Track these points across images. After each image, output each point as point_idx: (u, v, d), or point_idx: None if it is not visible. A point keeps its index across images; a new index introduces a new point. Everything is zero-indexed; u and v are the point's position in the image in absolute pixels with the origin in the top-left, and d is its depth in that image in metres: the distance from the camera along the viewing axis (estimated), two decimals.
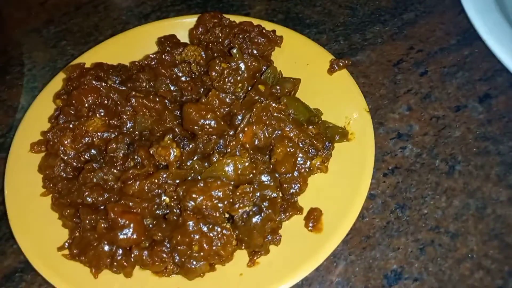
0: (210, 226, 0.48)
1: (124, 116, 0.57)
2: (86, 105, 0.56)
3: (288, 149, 0.54)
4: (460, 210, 0.56)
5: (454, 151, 0.61)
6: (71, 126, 0.55)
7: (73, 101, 0.56)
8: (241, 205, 0.48)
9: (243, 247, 0.50)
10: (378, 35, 0.77)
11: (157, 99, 0.57)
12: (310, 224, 0.51)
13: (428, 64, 0.72)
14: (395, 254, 0.53)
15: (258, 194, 0.50)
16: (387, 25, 0.78)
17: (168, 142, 0.52)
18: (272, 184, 0.52)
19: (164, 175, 0.52)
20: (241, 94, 0.60)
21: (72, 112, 0.56)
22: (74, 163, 0.56)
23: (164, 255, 0.47)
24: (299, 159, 0.54)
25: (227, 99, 0.56)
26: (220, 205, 0.48)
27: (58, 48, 0.79)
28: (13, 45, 0.80)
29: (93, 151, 0.56)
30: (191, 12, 0.84)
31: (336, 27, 0.79)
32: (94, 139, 0.56)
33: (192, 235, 0.47)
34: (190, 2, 0.85)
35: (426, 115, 0.66)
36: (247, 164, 0.52)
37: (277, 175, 0.54)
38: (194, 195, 0.48)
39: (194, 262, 0.47)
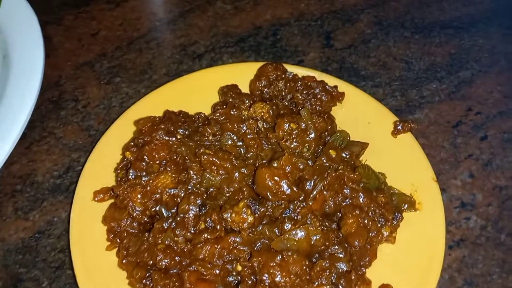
0: None
1: (191, 172, 0.57)
2: (158, 161, 0.56)
3: (360, 220, 0.53)
4: None
5: None
6: (142, 182, 0.54)
7: (144, 157, 0.56)
8: (319, 284, 0.48)
9: None
10: (435, 93, 0.77)
11: (226, 157, 0.57)
12: None
13: (487, 128, 0.72)
14: None
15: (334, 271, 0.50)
16: (443, 83, 0.78)
17: (243, 208, 0.51)
18: (343, 256, 0.52)
19: (236, 239, 0.51)
20: (307, 154, 0.60)
21: (143, 167, 0.56)
22: (142, 217, 0.55)
23: None
24: (370, 232, 0.53)
25: (300, 165, 0.55)
26: (297, 281, 0.47)
27: (112, 85, 0.79)
28: (66, 78, 0.80)
29: (160, 207, 0.55)
30: (245, 54, 0.84)
31: (392, 81, 0.79)
32: (163, 196, 0.55)
33: None
34: (243, 44, 0.85)
35: (488, 183, 0.65)
36: (319, 236, 0.51)
37: (346, 245, 0.53)
38: (271, 270, 0.47)
39: None
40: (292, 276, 0.47)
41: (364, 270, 0.54)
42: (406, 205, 0.58)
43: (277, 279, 0.46)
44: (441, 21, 0.88)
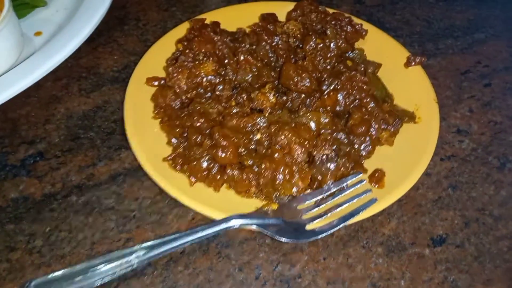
0: (293, 161, 0.57)
1: (229, 68, 0.69)
2: (203, 51, 0.67)
3: (365, 116, 0.63)
4: (505, 199, 0.63)
5: (507, 152, 0.69)
6: (189, 65, 0.66)
7: (193, 46, 0.68)
8: (323, 148, 0.58)
9: (314, 186, 0.59)
10: (450, 47, 0.86)
11: (259, 58, 0.68)
12: (374, 180, 0.60)
13: (492, 78, 0.80)
14: (443, 223, 0.61)
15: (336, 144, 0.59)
16: (458, 40, 0.87)
17: (267, 89, 0.62)
18: (346, 142, 0.61)
19: (258, 118, 0.62)
20: (328, 67, 0.70)
21: (191, 55, 0.68)
22: (183, 97, 0.67)
23: (251, 176, 0.57)
24: (372, 126, 0.63)
25: (320, 67, 0.66)
26: (305, 143, 0.57)
27: (169, 12, 0.92)
28: (131, 3, 0.94)
29: (200, 89, 0.67)
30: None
31: (413, 34, 0.88)
32: (203, 80, 0.67)
33: (277, 164, 0.57)
34: None
35: (485, 118, 0.73)
36: (328, 120, 0.61)
37: (351, 137, 0.63)
38: (286, 132, 0.58)
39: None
40: (301, 139, 0.57)
41: (363, 161, 0.64)
42: (406, 118, 0.67)
43: (288, 137, 0.57)
44: None
